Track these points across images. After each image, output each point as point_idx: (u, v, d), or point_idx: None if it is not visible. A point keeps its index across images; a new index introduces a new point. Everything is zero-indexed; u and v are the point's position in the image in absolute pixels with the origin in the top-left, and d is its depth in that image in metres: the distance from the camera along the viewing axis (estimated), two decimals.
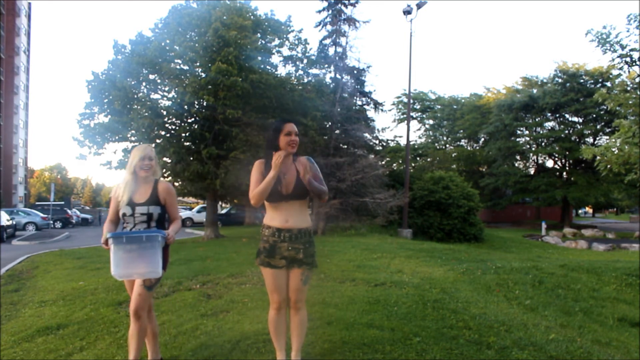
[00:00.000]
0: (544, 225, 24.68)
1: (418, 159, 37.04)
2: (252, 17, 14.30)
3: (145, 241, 2.50)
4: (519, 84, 33.05)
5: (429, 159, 36.55)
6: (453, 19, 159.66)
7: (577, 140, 29.01)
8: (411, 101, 27.59)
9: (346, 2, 16.88)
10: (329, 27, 17.18)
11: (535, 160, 33.89)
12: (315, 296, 4.60)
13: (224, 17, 13.44)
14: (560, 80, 28.84)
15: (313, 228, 2.71)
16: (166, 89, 14.48)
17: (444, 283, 5.57)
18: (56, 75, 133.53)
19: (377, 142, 21.54)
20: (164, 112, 13.81)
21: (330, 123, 16.44)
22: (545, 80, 30.69)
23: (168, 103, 14.35)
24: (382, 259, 7.70)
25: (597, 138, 29.55)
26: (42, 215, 23.09)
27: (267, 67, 14.38)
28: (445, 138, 41.00)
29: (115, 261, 2.48)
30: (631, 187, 24.67)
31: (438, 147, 39.50)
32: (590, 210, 63.94)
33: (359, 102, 19.23)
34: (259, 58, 13.52)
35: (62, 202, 36.40)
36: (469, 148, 39.05)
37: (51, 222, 23.72)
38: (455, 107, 38.72)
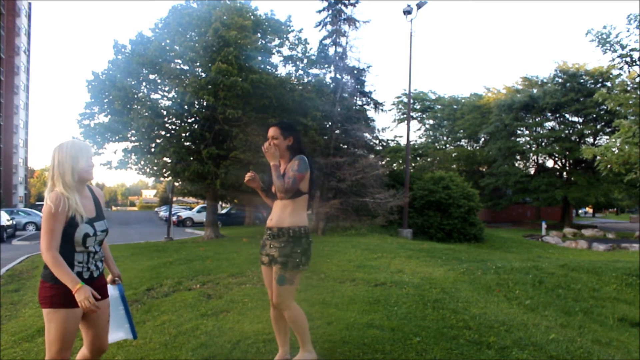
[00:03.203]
0: (544, 225, 24.67)
1: (418, 159, 37.05)
2: (252, 17, 14.32)
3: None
4: (519, 84, 33.05)
5: (429, 159, 36.56)
6: (453, 19, 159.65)
7: (577, 140, 29.01)
8: (411, 101, 27.57)
9: (346, 2, 16.86)
10: (329, 27, 17.16)
11: (536, 160, 33.89)
12: (315, 296, 4.60)
13: (224, 17, 13.45)
14: (560, 80, 28.84)
15: (304, 228, 2.64)
16: (166, 89, 14.50)
17: (444, 283, 5.57)
18: (56, 75, 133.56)
19: (377, 142, 21.53)
20: (164, 112, 13.82)
21: (330, 123, 16.43)
22: (545, 80, 30.68)
23: (168, 103, 14.37)
24: (382, 259, 7.70)
25: (597, 138, 29.54)
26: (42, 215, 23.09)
27: (267, 67, 14.40)
28: (445, 138, 40.99)
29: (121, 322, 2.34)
30: (631, 187, 24.68)
31: (438, 147, 39.50)
32: (591, 210, 63.92)
33: (359, 102, 19.22)
34: (259, 58, 13.53)
35: None
36: (469, 148, 39.04)
37: None
38: (455, 107, 38.72)
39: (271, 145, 2.60)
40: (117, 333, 2.39)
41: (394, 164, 26.74)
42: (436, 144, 40.40)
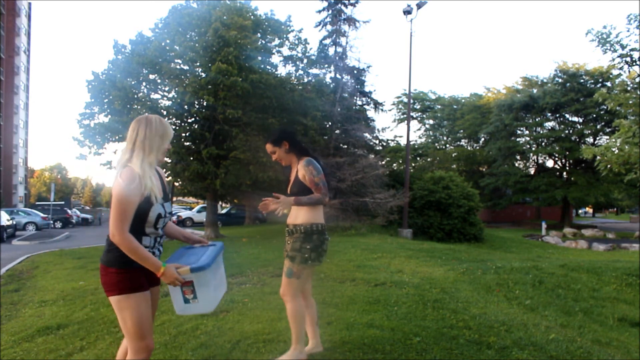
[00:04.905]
0: (544, 225, 24.67)
1: (418, 159, 37.05)
2: (252, 17, 14.32)
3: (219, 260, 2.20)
4: (519, 84, 33.06)
5: (429, 159, 36.57)
6: (453, 19, 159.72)
7: (577, 140, 29.00)
8: (411, 101, 27.58)
9: (346, 2, 16.89)
10: (329, 27, 17.20)
11: (536, 160, 33.90)
12: (315, 296, 4.57)
13: (224, 17, 13.46)
14: (560, 80, 28.84)
15: (316, 225, 2.68)
16: (166, 89, 14.50)
17: (444, 283, 5.57)
18: (56, 75, 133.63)
19: (377, 142, 21.55)
20: (164, 112, 13.82)
21: (330, 123, 16.44)
22: (545, 80, 30.69)
23: (168, 103, 14.37)
24: (382, 259, 7.70)
25: (597, 138, 29.54)
26: (42, 215, 23.09)
27: (267, 67, 14.39)
28: (445, 138, 41.01)
29: (211, 298, 2.06)
30: (631, 187, 24.68)
31: (438, 147, 39.51)
32: (591, 210, 63.93)
33: (359, 102, 19.25)
34: (259, 58, 13.53)
35: (62, 202, 36.46)
36: (469, 148, 39.06)
37: (51, 222, 23.73)
38: (455, 107, 38.74)
39: (279, 202, 2.58)
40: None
41: (394, 164, 26.73)
42: (436, 144, 40.40)
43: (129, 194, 1.81)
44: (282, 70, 15.67)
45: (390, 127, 44.13)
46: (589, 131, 28.65)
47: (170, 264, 1.88)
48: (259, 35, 14.60)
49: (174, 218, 25.95)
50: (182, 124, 14.36)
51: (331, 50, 17.29)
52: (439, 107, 40.01)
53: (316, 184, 2.64)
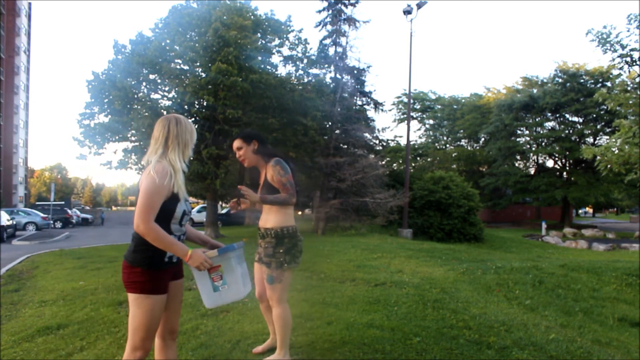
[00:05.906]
0: (544, 225, 24.68)
1: (418, 158, 37.06)
2: (252, 17, 14.32)
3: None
4: (519, 84, 33.06)
5: (429, 159, 36.58)
6: (453, 19, 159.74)
7: (577, 140, 29.01)
8: (411, 101, 27.58)
9: (346, 2, 16.87)
10: (329, 27, 17.17)
11: (536, 160, 33.90)
12: (315, 296, 4.60)
13: (224, 17, 13.46)
14: (560, 80, 28.84)
15: (287, 228, 2.66)
16: (166, 89, 14.49)
17: (444, 283, 5.57)
18: (56, 75, 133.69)
19: (377, 142, 21.53)
20: (164, 112, 13.82)
21: (330, 123, 16.43)
22: (545, 80, 30.69)
23: (168, 103, 14.37)
24: (382, 259, 7.71)
25: (597, 138, 29.54)
26: (42, 215, 23.07)
27: (267, 67, 14.39)
28: (445, 138, 41.01)
29: (240, 283, 2.09)
30: (631, 187, 24.68)
31: (438, 147, 39.52)
32: (591, 210, 63.93)
33: (359, 102, 19.22)
34: (259, 58, 13.53)
35: (62, 202, 36.45)
36: (469, 148, 39.06)
37: (51, 222, 23.71)
38: (455, 107, 38.74)
39: (242, 198, 2.60)
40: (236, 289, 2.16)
41: (394, 164, 26.73)
42: (436, 144, 40.41)
43: (161, 188, 1.84)
44: (282, 70, 15.70)
45: (390, 127, 44.17)
46: (589, 131, 28.65)
47: (197, 250, 1.92)
48: (259, 35, 14.60)
49: None
50: None
51: (331, 50, 17.27)
52: (439, 107, 40.02)
53: (283, 184, 2.64)
